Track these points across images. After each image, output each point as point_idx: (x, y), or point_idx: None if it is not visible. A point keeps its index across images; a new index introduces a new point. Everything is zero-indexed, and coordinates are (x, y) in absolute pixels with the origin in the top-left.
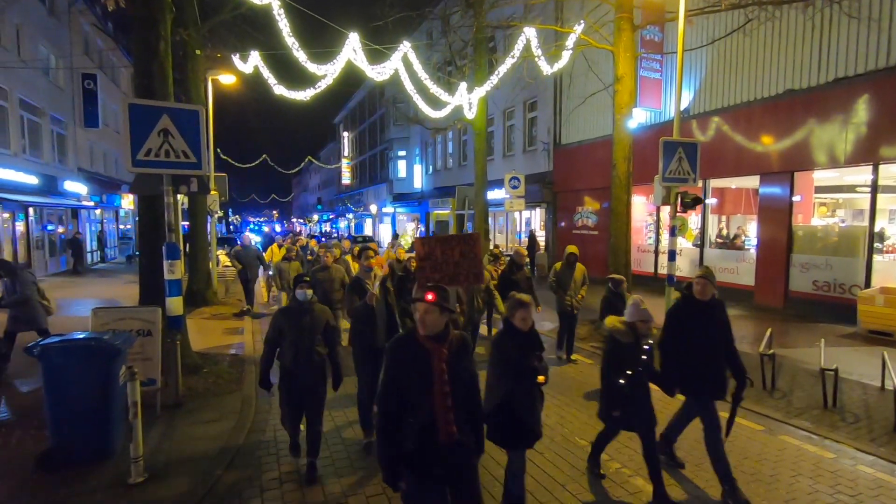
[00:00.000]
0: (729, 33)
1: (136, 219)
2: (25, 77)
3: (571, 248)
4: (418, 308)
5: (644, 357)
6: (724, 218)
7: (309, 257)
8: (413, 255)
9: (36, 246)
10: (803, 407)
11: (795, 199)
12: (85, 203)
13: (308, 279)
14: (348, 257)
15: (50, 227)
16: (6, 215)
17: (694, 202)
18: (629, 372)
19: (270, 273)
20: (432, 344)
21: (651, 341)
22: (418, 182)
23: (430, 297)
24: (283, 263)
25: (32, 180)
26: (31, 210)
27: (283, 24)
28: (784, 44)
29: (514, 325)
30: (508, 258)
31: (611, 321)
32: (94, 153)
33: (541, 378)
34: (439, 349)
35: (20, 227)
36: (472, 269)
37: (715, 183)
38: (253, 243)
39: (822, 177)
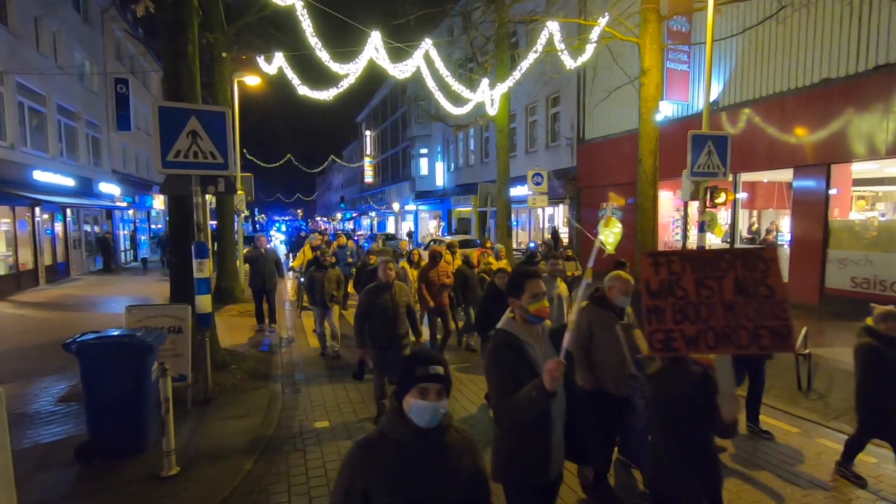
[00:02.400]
0: (761, 21)
1: (167, 219)
2: (62, 83)
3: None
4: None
5: None
6: (755, 213)
7: (349, 260)
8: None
9: (73, 245)
10: (841, 409)
11: (832, 192)
12: (118, 204)
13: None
14: (404, 264)
15: (86, 228)
16: (46, 216)
17: (724, 197)
18: None
19: (302, 280)
20: None
21: None
22: (440, 180)
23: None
24: (318, 273)
25: (69, 182)
26: (68, 211)
27: (307, 25)
28: (820, 31)
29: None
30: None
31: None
32: (127, 155)
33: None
34: None
35: (58, 227)
36: (769, 317)
37: (746, 177)
38: (269, 246)
39: (860, 169)
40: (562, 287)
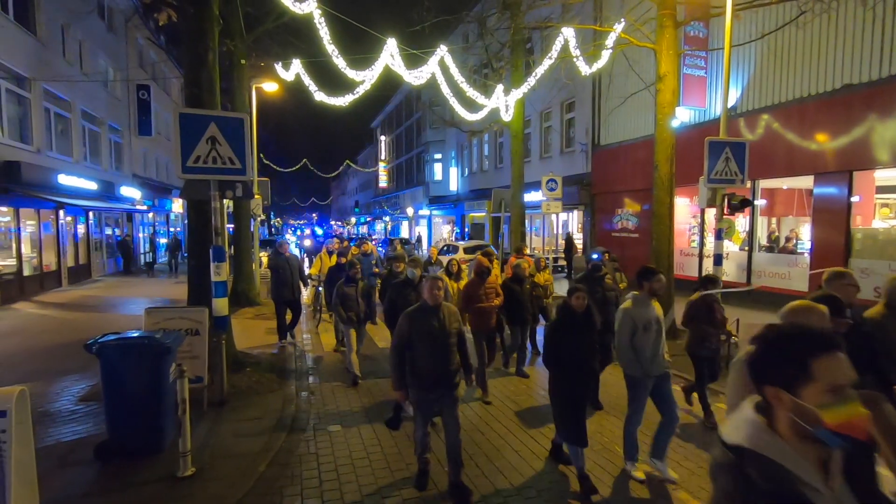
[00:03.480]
0: (780, 27)
1: (186, 222)
2: (87, 89)
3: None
4: None
5: None
6: (773, 220)
7: (374, 269)
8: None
9: (94, 248)
10: None
11: (854, 199)
12: (139, 207)
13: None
14: (442, 274)
15: (108, 231)
16: (69, 219)
17: (742, 204)
18: None
19: (320, 289)
20: None
21: None
22: (454, 185)
23: None
24: (350, 288)
25: (92, 186)
26: (90, 214)
27: (324, 32)
28: (841, 36)
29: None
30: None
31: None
32: (148, 160)
33: None
34: None
35: (81, 230)
36: None
37: (764, 184)
38: (291, 251)
39: (884, 176)
40: (658, 310)
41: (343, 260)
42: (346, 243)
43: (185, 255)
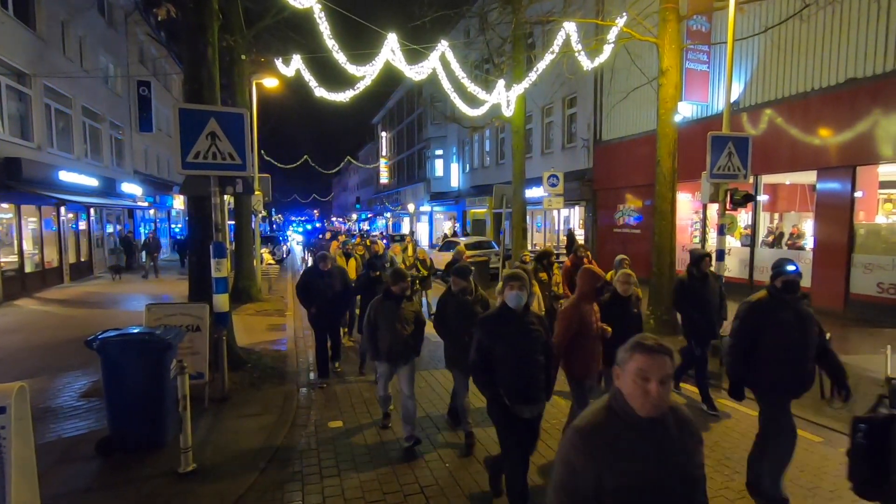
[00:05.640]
0: (784, 20)
1: (186, 219)
2: (87, 86)
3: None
4: None
5: None
6: (776, 216)
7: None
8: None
9: (96, 244)
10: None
11: (857, 195)
12: (140, 203)
13: None
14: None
15: (108, 227)
16: (70, 216)
17: (745, 199)
18: None
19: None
20: None
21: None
22: (455, 181)
23: None
24: (391, 303)
25: (93, 182)
26: (91, 210)
27: (324, 27)
28: (846, 29)
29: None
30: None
31: None
32: (149, 156)
33: None
34: None
35: (82, 226)
36: None
37: (767, 179)
38: (335, 263)
39: (888, 171)
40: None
41: (374, 272)
42: (343, 238)
43: (170, 254)
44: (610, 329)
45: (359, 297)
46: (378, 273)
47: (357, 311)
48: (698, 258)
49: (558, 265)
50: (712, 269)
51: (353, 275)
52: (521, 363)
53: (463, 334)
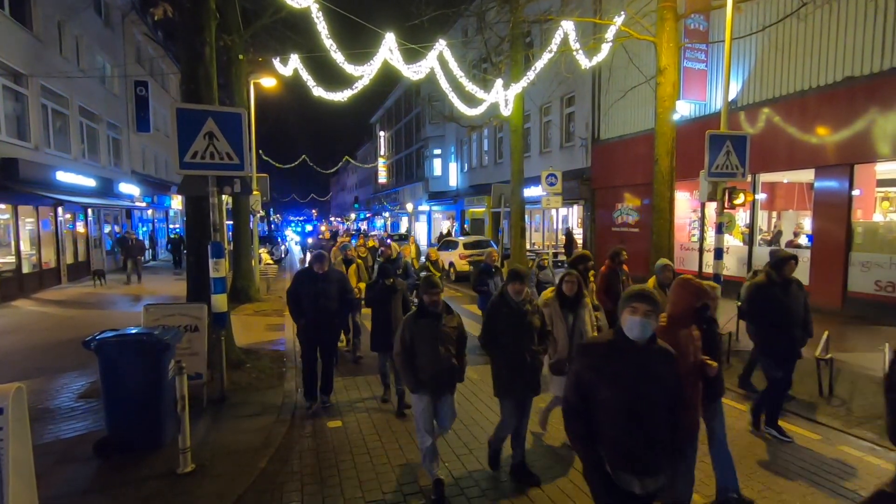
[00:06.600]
0: (781, 19)
1: (184, 219)
2: (84, 86)
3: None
4: None
5: None
6: (774, 214)
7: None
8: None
9: (94, 245)
10: (865, 416)
11: (855, 193)
12: (138, 204)
13: None
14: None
15: (106, 227)
16: (68, 216)
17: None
18: None
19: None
20: None
21: None
22: (454, 180)
23: None
24: (426, 321)
25: (91, 183)
26: (89, 211)
27: (322, 27)
28: (843, 28)
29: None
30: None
31: None
32: (146, 156)
33: None
34: None
35: (80, 226)
36: None
37: (765, 177)
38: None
39: (885, 169)
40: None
41: (398, 281)
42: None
43: (165, 254)
44: (715, 364)
45: (370, 309)
46: (392, 280)
47: (369, 326)
48: (781, 261)
49: (593, 272)
50: (725, 269)
51: (353, 283)
52: (637, 415)
53: (521, 352)
